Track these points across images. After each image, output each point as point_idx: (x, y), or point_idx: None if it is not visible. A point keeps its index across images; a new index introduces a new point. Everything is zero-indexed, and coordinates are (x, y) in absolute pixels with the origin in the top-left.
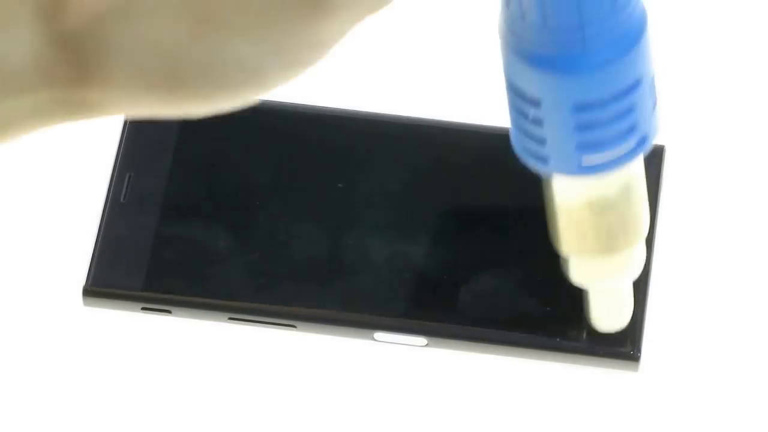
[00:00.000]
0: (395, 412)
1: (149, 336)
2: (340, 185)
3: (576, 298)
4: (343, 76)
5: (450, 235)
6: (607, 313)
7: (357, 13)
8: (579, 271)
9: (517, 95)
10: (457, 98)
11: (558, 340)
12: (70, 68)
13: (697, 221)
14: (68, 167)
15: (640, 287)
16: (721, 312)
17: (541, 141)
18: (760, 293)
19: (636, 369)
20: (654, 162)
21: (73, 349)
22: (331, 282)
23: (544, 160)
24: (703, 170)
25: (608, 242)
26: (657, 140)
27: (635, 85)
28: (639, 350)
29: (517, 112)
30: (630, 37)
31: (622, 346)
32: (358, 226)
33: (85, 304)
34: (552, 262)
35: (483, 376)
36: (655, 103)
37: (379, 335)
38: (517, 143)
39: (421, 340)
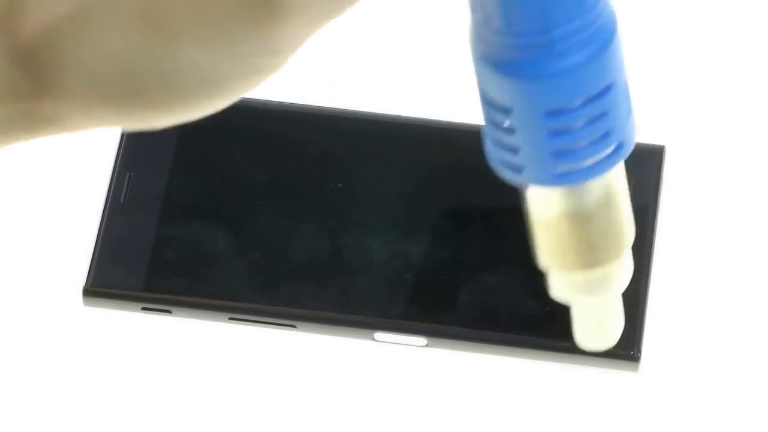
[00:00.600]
0: (395, 412)
1: (149, 336)
2: (340, 185)
3: None
4: (344, 76)
5: (450, 235)
6: (593, 330)
7: (314, 19)
8: (560, 286)
9: (488, 104)
10: (457, 98)
11: (558, 340)
12: (26, 82)
13: (697, 221)
14: (68, 168)
15: (640, 288)
16: (721, 312)
17: (515, 150)
18: (760, 294)
19: (636, 369)
20: (654, 162)
21: (74, 349)
22: (331, 282)
23: (518, 169)
24: (703, 170)
25: (589, 255)
26: (657, 140)
27: (607, 89)
28: (639, 351)
29: (490, 121)
30: (599, 39)
31: (622, 346)
32: (359, 226)
33: (86, 304)
34: None
35: (483, 376)
36: (630, 110)
37: (379, 335)
38: (492, 154)
39: (421, 341)
